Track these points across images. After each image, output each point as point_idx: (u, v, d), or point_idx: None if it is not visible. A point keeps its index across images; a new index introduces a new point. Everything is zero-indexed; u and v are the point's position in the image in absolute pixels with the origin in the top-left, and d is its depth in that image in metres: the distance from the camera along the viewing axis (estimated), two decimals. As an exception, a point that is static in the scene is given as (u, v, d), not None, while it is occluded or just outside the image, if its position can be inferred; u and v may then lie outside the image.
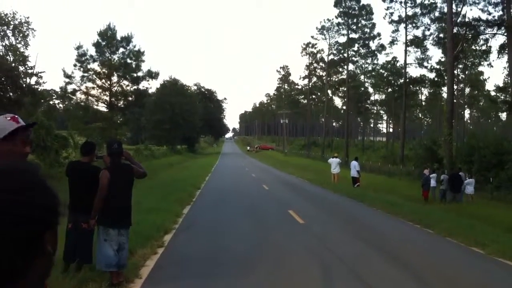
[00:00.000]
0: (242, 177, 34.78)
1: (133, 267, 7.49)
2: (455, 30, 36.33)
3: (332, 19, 70.38)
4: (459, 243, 10.82)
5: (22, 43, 45.39)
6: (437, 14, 49.70)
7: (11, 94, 29.24)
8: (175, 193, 18.89)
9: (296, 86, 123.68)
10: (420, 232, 12.43)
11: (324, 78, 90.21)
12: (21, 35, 45.09)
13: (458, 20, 36.88)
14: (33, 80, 44.06)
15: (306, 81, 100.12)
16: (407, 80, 60.22)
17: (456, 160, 33.27)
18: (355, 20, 67.03)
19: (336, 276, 7.73)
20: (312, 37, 77.40)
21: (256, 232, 11.72)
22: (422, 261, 8.78)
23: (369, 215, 15.81)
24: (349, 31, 67.79)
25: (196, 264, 8.15)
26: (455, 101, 45.84)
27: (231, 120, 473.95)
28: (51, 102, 52.59)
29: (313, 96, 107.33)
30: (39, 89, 44.60)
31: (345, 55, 70.41)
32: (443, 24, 44.29)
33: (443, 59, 59.03)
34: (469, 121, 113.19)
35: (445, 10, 39.12)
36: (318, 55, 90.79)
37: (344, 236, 11.33)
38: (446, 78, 43.88)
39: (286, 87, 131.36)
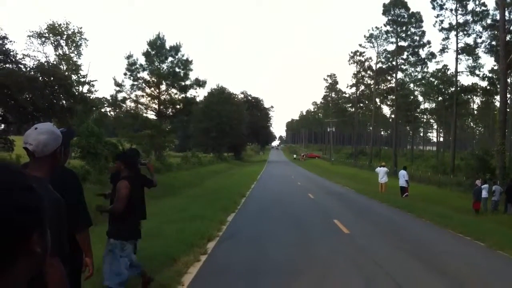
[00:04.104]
0: (288, 185, 34.66)
1: (175, 274, 7.54)
2: (508, 38, 35.31)
3: (381, 27, 69.67)
4: (510, 257, 10.42)
5: (75, 52, 46.81)
6: (489, 21, 48.63)
7: (64, 102, 30.08)
8: (220, 201, 19.02)
9: (344, 95, 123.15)
10: (470, 245, 12.02)
11: (372, 86, 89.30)
12: (74, 44, 46.47)
13: (511, 28, 35.82)
14: (85, 89, 45.48)
15: (353, 89, 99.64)
16: (458, 88, 58.85)
17: (509, 171, 32.22)
18: (404, 28, 65.98)
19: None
20: (360, 45, 76.85)
21: (300, 241, 11.61)
22: (472, 276, 8.47)
23: (417, 227, 15.43)
24: (398, 39, 66.85)
25: (238, 273, 8.10)
26: (508, 110, 44.40)
27: (278, 128, 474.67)
28: (102, 110, 54.11)
29: (361, 105, 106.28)
30: (91, 97, 45.99)
31: (394, 63, 69.47)
32: (496, 32, 43.16)
33: (495, 67, 57.41)
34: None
35: (498, 17, 38.22)
36: (366, 63, 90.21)
37: (390, 248, 11.06)
38: (499, 86, 42.63)
39: (333, 95, 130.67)
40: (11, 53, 26.45)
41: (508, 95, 51.36)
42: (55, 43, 45.69)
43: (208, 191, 24.42)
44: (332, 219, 15.79)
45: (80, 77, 45.06)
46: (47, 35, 45.17)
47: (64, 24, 46.21)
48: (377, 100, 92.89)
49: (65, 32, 46.08)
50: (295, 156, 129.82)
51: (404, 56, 68.60)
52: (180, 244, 9.44)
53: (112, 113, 56.84)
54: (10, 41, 26.57)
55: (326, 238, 12.26)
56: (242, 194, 24.43)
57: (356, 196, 27.15)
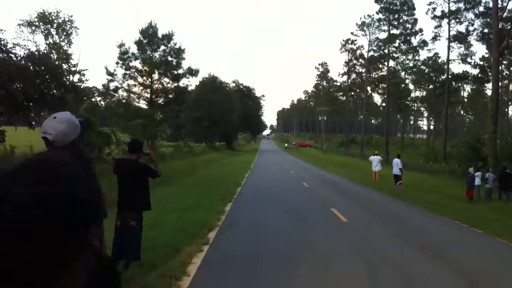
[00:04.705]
0: (281, 174, 34.67)
1: (180, 264, 7.55)
2: (500, 25, 35.35)
3: (373, 15, 69.41)
4: (509, 244, 10.51)
5: (66, 41, 46.46)
6: (481, 9, 48.55)
7: (54, 91, 29.81)
8: (216, 190, 19.04)
9: (335, 83, 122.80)
10: (468, 232, 12.11)
11: (363, 74, 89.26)
12: (64, 33, 46.10)
13: (503, 15, 35.87)
14: (76, 78, 45.17)
15: (345, 78, 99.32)
16: (450, 76, 58.95)
17: (501, 159, 32.37)
18: (396, 16, 65.80)
19: (383, 277, 7.55)
20: (352, 33, 76.72)
21: (300, 230, 11.64)
22: (474, 263, 8.52)
23: (413, 214, 15.52)
24: (390, 27, 66.69)
25: (241, 263, 8.12)
26: (499, 98, 44.57)
27: (269, 117, 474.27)
28: (93, 99, 53.80)
29: (352, 93, 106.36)
30: (82, 87, 45.68)
31: (386, 51, 69.34)
32: (488, 19, 43.21)
33: (487, 55, 57.58)
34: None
35: (490, 5, 38.14)
36: (358, 52, 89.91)
37: (389, 235, 11.11)
38: (490, 74, 42.76)
39: (324, 84, 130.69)
40: (1, 42, 26.15)
41: (500, 83, 51.56)
42: (46, 31, 45.31)
43: (203, 181, 24.39)
44: (329, 207, 15.82)
45: (71, 66, 44.82)
46: (37, 23, 44.77)
47: (54, 12, 45.80)
48: (369, 88, 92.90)
49: (55, 21, 45.69)
50: (286, 145, 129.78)
51: (396, 44, 68.45)
52: (181, 234, 9.48)
53: (102, 102, 56.50)
54: (0, 30, 26.26)
55: (325, 227, 12.31)
56: (237, 184, 24.41)
57: (350, 185, 27.23)
